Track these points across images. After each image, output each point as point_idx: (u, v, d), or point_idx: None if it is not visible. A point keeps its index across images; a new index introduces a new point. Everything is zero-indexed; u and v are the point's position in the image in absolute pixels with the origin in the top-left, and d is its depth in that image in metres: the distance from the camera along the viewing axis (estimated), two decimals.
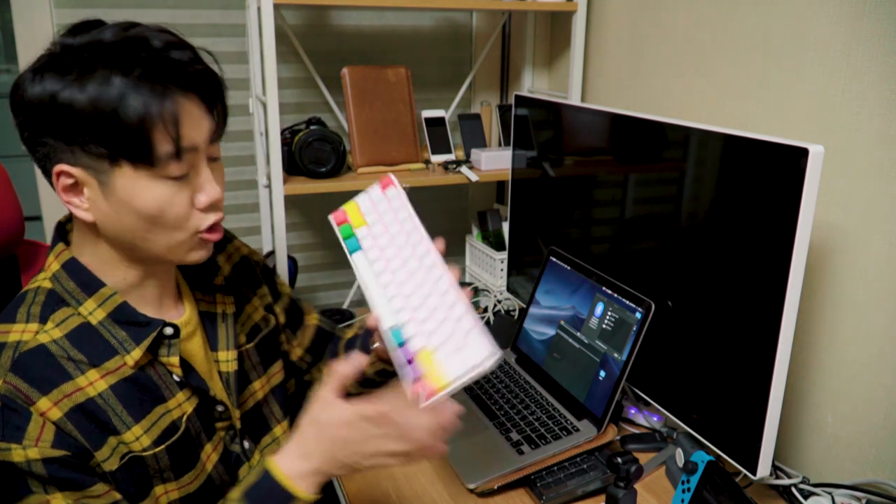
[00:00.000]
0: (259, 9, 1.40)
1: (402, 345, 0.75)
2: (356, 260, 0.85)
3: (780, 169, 0.87)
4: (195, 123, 0.73)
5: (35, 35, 1.57)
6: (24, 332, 0.74)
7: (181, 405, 0.81)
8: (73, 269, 0.77)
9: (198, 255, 0.79)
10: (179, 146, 0.71)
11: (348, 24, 1.84)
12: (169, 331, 0.80)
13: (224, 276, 0.92)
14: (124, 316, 0.77)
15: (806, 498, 1.03)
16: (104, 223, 0.74)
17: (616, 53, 1.63)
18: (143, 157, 0.70)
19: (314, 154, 1.51)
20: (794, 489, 1.04)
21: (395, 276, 0.81)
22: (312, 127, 1.55)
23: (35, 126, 0.71)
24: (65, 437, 0.70)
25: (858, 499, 1.01)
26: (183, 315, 0.86)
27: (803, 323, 1.13)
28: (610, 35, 1.65)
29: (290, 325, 1.03)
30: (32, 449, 0.68)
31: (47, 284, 0.77)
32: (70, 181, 0.72)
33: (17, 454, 0.68)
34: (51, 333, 0.74)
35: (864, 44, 1.02)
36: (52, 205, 1.69)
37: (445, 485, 1.04)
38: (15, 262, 1.03)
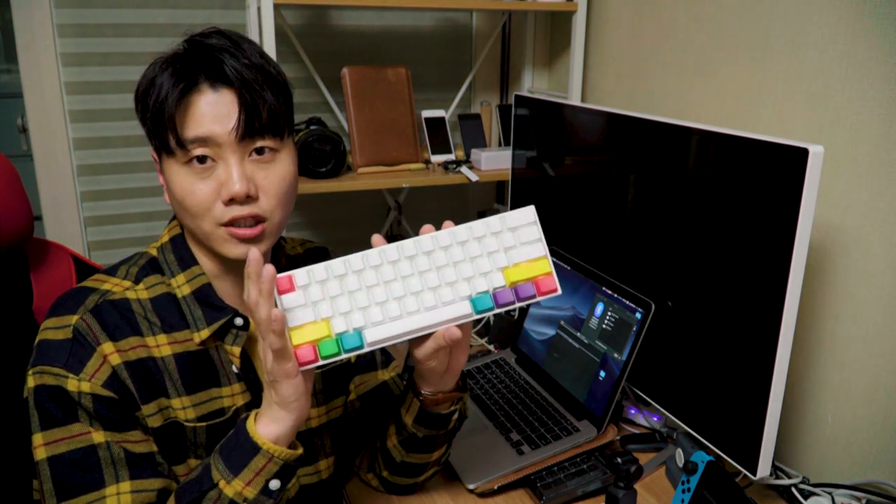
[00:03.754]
0: (259, 9, 1.40)
1: (496, 296, 0.75)
2: (372, 341, 0.73)
3: (780, 169, 0.87)
4: (219, 116, 0.75)
5: (35, 35, 1.57)
6: (115, 286, 0.82)
7: (234, 396, 0.85)
8: (177, 244, 0.85)
9: (233, 252, 0.79)
10: (178, 135, 0.75)
11: (348, 24, 1.84)
12: (239, 321, 0.84)
13: None
14: (205, 296, 0.83)
15: (806, 498, 1.03)
16: (171, 205, 0.82)
17: (616, 53, 1.63)
18: (163, 144, 0.77)
19: (314, 154, 1.51)
20: (794, 489, 1.04)
21: (397, 295, 0.74)
22: (312, 127, 1.55)
23: (137, 114, 0.81)
24: (117, 381, 0.76)
25: (858, 499, 1.01)
26: None
27: (803, 323, 1.13)
28: (610, 35, 1.65)
29: (358, 368, 1.01)
30: (86, 382, 0.75)
31: (152, 252, 0.86)
32: (158, 165, 0.82)
33: (72, 384, 0.74)
34: (139, 293, 0.82)
35: (864, 44, 1.02)
36: (52, 205, 1.69)
37: (445, 485, 1.04)
38: (24, 259, 1.03)
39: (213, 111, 0.75)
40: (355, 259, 0.74)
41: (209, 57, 0.76)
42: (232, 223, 0.77)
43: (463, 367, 0.85)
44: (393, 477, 0.97)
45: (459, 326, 0.75)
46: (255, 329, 0.87)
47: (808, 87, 1.12)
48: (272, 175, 0.79)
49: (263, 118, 0.77)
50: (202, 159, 0.76)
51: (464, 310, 0.74)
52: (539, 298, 0.76)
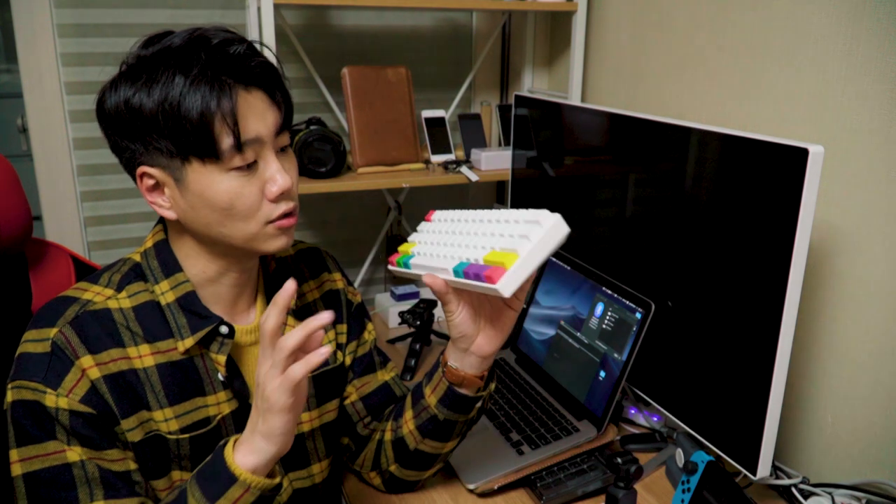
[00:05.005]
0: (259, 9, 1.40)
1: (466, 268, 0.75)
2: (413, 266, 0.84)
3: (780, 169, 0.87)
4: (258, 115, 0.76)
5: (35, 35, 1.57)
6: (97, 295, 0.80)
7: (220, 404, 0.84)
8: (161, 249, 0.83)
9: (276, 245, 0.80)
10: (239, 139, 0.74)
11: (348, 24, 1.84)
12: (224, 329, 0.83)
13: (299, 300, 0.93)
14: (189, 304, 0.82)
15: (806, 498, 1.03)
16: (185, 219, 0.79)
17: (616, 53, 1.63)
18: (209, 152, 0.74)
19: (314, 154, 1.51)
20: (794, 489, 1.04)
21: (447, 242, 0.82)
22: (312, 127, 1.55)
23: (115, 133, 0.77)
24: (95, 396, 0.75)
25: (858, 499, 1.01)
26: (251, 323, 0.88)
27: (803, 323, 1.13)
28: (610, 35, 1.65)
29: (355, 371, 1.00)
30: (63, 398, 0.74)
31: (136, 258, 0.84)
32: (151, 182, 0.78)
33: (50, 399, 0.73)
34: (121, 302, 0.80)
35: (864, 44, 1.02)
36: (52, 205, 1.69)
37: (445, 485, 1.04)
38: (23, 260, 1.03)
39: (252, 112, 0.75)
40: (468, 213, 0.86)
41: (235, 58, 0.75)
42: (280, 218, 0.79)
43: (487, 355, 0.85)
44: (401, 471, 0.96)
45: (461, 295, 0.81)
46: (243, 336, 0.87)
47: (808, 87, 1.12)
48: (293, 167, 0.82)
49: (290, 112, 0.80)
50: (253, 164, 0.76)
51: (448, 266, 0.78)
52: (483, 285, 0.71)
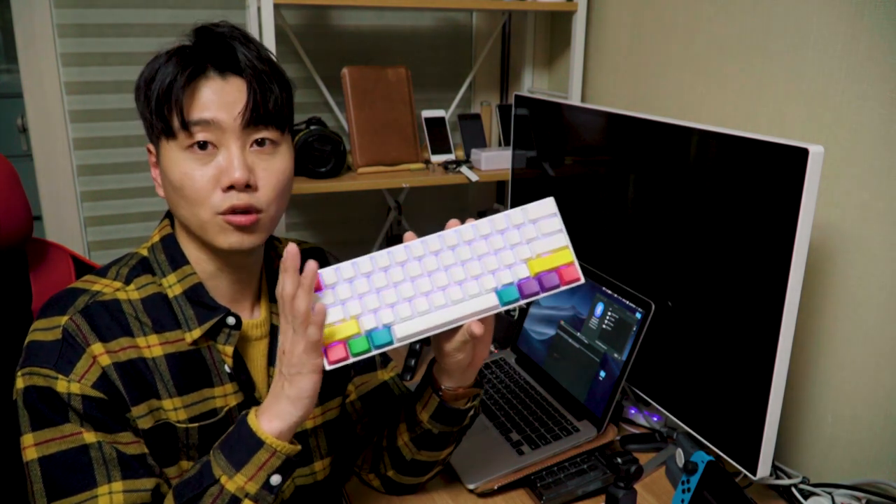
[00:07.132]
0: (259, 9, 1.40)
1: (520, 283, 0.76)
2: (402, 336, 0.74)
3: (780, 169, 0.87)
4: (223, 102, 0.77)
5: (35, 35, 1.57)
6: (106, 287, 0.81)
7: (227, 396, 0.84)
8: (168, 243, 0.84)
9: (226, 241, 0.79)
10: (183, 117, 0.75)
11: (348, 24, 1.84)
12: (231, 320, 0.83)
13: None
14: (196, 296, 0.82)
15: (806, 498, 1.03)
16: (165, 198, 0.82)
17: (616, 53, 1.63)
18: (166, 127, 0.76)
19: (314, 154, 1.51)
20: (794, 489, 1.04)
21: (421, 292, 0.75)
22: (312, 127, 1.55)
23: (137, 105, 0.81)
24: (107, 382, 0.76)
25: (858, 499, 1.01)
26: (256, 318, 0.89)
27: (803, 323, 1.13)
28: (610, 35, 1.65)
29: (356, 369, 1.00)
30: (75, 384, 0.74)
31: (143, 252, 0.85)
32: (153, 158, 0.83)
33: (62, 385, 0.74)
34: (129, 294, 0.81)
35: (864, 44, 1.02)
36: (52, 205, 1.69)
37: (445, 485, 1.04)
38: (24, 259, 1.03)
39: (220, 98, 0.76)
40: (381, 256, 0.75)
41: (220, 44, 0.78)
42: (228, 211, 0.77)
43: (484, 360, 0.86)
44: (399, 476, 0.96)
45: (481, 320, 0.77)
46: (249, 330, 0.87)
47: (808, 87, 1.12)
48: (272, 168, 0.80)
49: (269, 108, 0.79)
50: (203, 145, 0.76)
51: (490, 302, 0.76)
52: (563, 288, 0.77)
